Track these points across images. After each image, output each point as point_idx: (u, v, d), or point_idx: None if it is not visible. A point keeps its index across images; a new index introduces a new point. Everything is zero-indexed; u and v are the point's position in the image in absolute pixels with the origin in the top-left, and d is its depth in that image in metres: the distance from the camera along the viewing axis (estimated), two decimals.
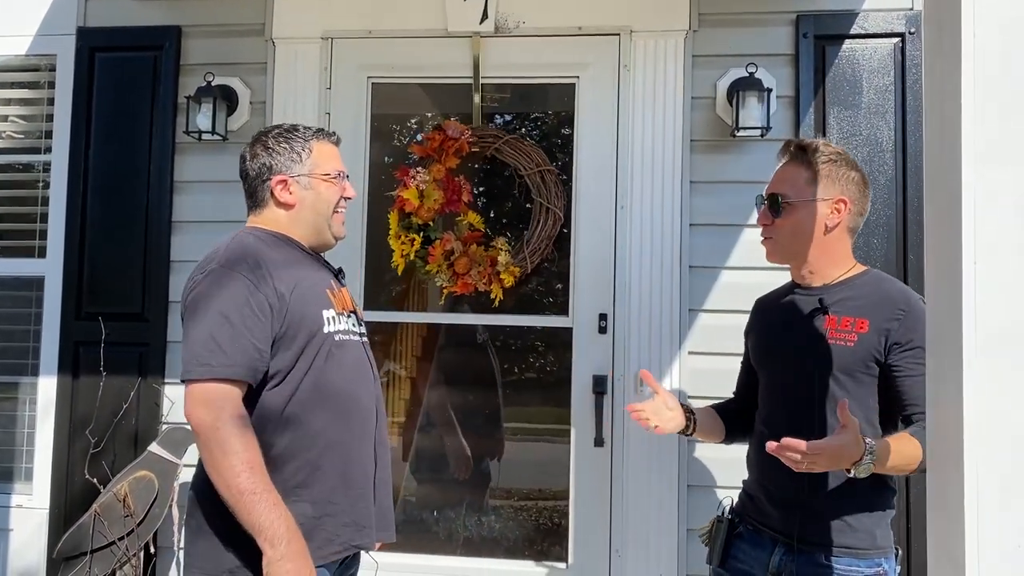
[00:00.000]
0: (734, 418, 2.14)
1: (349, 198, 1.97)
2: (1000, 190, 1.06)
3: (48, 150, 3.37)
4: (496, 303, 3.13)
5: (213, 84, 3.13)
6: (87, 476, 3.13)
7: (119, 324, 3.20)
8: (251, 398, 1.72)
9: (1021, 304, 1.04)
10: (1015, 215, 1.06)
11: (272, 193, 1.88)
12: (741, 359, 2.19)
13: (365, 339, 1.97)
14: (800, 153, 1.91)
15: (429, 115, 3.43)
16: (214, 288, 1.71)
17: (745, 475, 2.05)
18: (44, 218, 3.34)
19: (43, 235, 3.33)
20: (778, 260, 1.96)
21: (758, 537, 1.93)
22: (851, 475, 1.63)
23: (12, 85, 3.49)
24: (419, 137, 3.31)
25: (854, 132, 2.95)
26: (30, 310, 3.35)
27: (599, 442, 2.95)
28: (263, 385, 1.74)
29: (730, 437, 2.15)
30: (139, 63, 3.28)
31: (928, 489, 1.15)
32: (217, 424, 1.62)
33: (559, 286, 3.19)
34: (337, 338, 1.82)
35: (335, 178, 1.92)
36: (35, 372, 3.30)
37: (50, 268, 3.29)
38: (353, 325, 1.91)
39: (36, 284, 3.33)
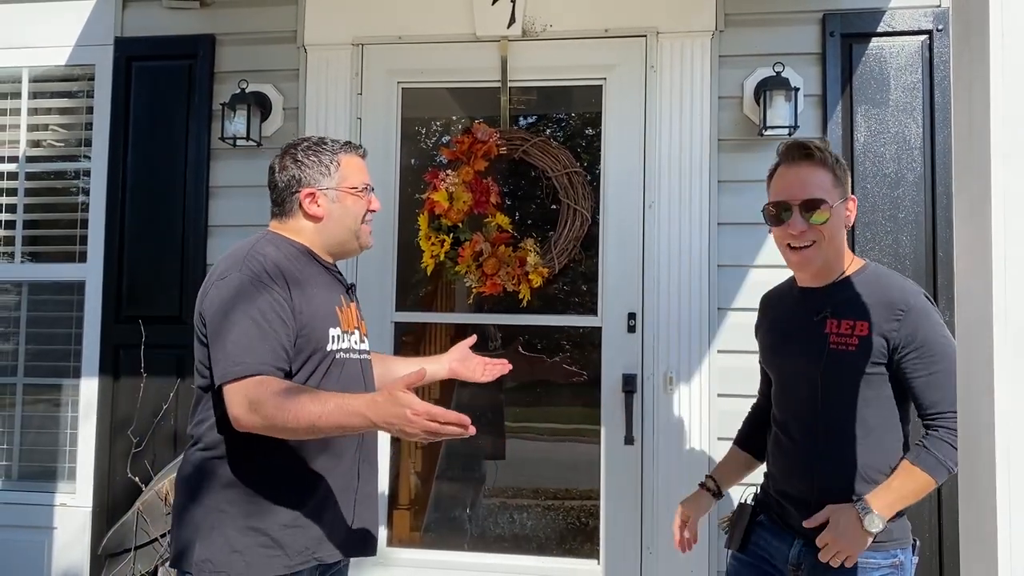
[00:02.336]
0: (760, 434, 2.14)
1: (374, 211, 2.00)
2: None
3: (87, 157, 3.46)
4: (524, 303, 3.16)
5: (247, 91, 3.20)
6: (129, 475, 3.21)
7: (158, 327, 3.28)
8: None
9: None
10: None
11: (300, 205, 1.92)
12: (758, 355, 2.16)
13: (366, 356, 2.00)
14: (818, 154, 1.87)
15: (458, 118, 3.47)
16: (242, 296, 1.76)
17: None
18: (84, 224, 3.43)
19: (83, 240, 3.42)
20: (815, 269, 1.89)
21: (778, 529, 1.97)
22: (872, 532, 1.74)
23: (52, 95, 3.59)
24: (448, 140, 3.36)
25: (882, 130, 2.95)
26: (71, 313, 3.44)
27: (629, 440, 2.98)
28: None
29: (763, 456, 2.14)
30: (175, 71, 3.36)
31: (960, 483, 1.17)
32: (260, 411, 1.65)
33: (587, 286, 3.22)
34: (338, 356, 1.87)
35: (362, 191, 1.95)
36: (77, 374, 3.39)
37: (90, 272, 3.38)
38: (355, 343, 1.94)
39: (77, 288, 3.42)
